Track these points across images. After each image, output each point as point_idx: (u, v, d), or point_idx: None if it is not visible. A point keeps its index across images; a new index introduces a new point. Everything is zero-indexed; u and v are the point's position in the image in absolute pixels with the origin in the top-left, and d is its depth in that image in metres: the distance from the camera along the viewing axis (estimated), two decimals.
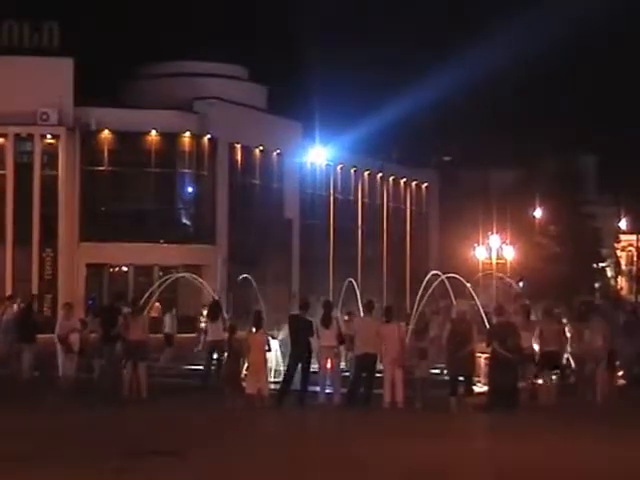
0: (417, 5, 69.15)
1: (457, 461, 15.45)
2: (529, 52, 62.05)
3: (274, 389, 22.71)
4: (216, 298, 30.57)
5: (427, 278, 27.51)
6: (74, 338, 24.13)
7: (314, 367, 22.98)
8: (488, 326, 24.10)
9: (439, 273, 27.51)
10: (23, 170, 55.88)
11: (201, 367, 26.90)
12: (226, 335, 24.15)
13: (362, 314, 25.56)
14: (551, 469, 14.69)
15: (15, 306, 28.91)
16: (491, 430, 19.89)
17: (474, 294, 28.93)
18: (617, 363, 25.81)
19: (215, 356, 25.87)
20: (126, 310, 24.23)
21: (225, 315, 28.14)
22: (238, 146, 60.20)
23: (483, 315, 26.86)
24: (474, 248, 65.95)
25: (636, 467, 15.00)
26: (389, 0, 65.15)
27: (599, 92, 74.62)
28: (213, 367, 25.86)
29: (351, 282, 31.94)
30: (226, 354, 23.69)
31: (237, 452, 15.96)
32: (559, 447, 16.64)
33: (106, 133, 56.77)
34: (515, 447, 16.80)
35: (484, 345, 22.98)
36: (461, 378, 22.19)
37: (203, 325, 32.45)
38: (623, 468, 14.92)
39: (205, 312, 30.85)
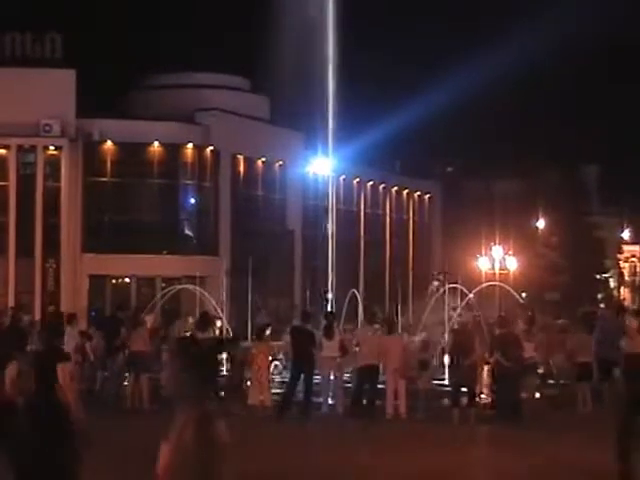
0: (417, 18, 69.06)
1: (459, 471, 15.44)
2: (530, 62, 62.02)
3: (277, 399, 22.72)
4: (217, 309, 30.57)
5: (430, 288, 27.56)
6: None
7: (316, 378, 22.99)
8: (490, 337, 24.12)
9: (440, 278, 27.59)
10: (26, 181, 55.90)
11: None
12: None
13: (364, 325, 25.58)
14: (550, 477, 14.68)
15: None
16: (493, 440, 19.88)
17: (477, 305, 28.95)
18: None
19: None
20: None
21: (219, 325, 28.11)
22: (240, 157, 60.25)
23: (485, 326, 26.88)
24: (477, 259, 65.89)
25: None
26: (390, 14, 65.13)
27: (601, 103, 74.62)
28: None
29: (354, 292, 31.98)
30: (228, 365, 23.72)
31: (237, 461, 15.95)
32: (560, 458, 16.62)
33: (109, 144, 56.81)
34: (517, 458, 16.78)
35: (487, 356, 23.00)
36: (464, 389, 22.20)
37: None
38: None
39: (190, 321, 30.72)
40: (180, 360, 12.07)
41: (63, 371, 12.28)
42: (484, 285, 34.39)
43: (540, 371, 24.64)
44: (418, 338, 25.51)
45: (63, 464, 11.99)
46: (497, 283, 37.29)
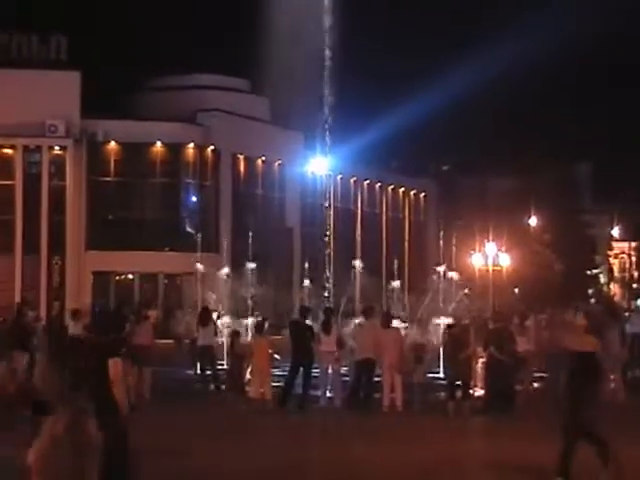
0: (415, 17, 68.73)
1: (454, 462, 15.41)
2: (527, 62, 61.72)
3: (277, 392, 22.68)
4: (218, 305, 30.49)
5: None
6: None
7: (315, 371, 22.96)
8: (485, 331, 24.07)
9: (440, 272, 27.59)
10: (32, 180, 55.91)
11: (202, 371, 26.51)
12: (216, 340, 24.28)
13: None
14: (544, 468, 14.64)
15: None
16: (488, 432, 19.85)
17: (471, 300, 28.93)
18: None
19: (207, 360, 25.55)
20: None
21: (218, 321, 28.07)
22: (241, 157, 60.25)
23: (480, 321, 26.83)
24: (471, 255, 65.88)
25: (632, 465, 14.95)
26: (388, 12, 64.89)
27: (596, 103, 74.66)
28: (209, 372, 25.57)
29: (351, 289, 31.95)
30: (229, 359, 23.70)
31: (238, 452, 15.91)
32: (553, 447, 16.58)
33: (112, 144, 56.82)
34: (511, 448, 16.78)
35: (481, 350, 22.97)
36: (458, 382, 22.17)
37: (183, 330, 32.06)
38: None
39: (187, 316, 30.61)
40: (50, 357, 12.23)
41: (115, 365, 12.26)
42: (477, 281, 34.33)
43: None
44: (412, 332, 25.49)
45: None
46: None
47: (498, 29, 60.00)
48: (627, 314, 36.95)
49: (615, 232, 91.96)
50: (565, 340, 14.76)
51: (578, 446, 13.72)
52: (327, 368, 23.02)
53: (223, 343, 27.60)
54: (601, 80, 71.86)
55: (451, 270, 30.15)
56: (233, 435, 18.31)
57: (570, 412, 13.81)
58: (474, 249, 66.67)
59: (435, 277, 28.83)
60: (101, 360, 12.14)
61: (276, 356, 22.88)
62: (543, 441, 17.24)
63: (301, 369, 22.28)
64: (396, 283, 33.62)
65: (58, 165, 56.43)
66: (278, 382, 23.29)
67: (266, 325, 23.66)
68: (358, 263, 34.50)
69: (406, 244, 75.46)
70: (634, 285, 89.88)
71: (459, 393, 22.09)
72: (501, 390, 21.61)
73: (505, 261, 67.49)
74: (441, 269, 29.46)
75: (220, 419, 20.61)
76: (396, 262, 37.95)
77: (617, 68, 73.13)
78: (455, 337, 22.55)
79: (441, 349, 25.26)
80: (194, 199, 59.57)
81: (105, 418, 11.93)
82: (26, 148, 55.91)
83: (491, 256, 65.59)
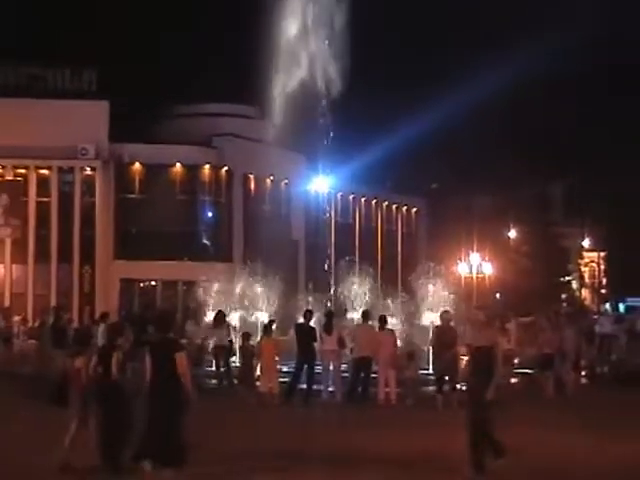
0: (402, 44, 67.58)
1: (444, 449, 15.40)
2: (506, 94, 61.18)
3: (283, 387, 22.67)
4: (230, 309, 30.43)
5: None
6: None
7: (318, 368, 22.94)
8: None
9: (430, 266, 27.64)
10: (65, 198, 55.97)
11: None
12: (228, 340, 24.35)
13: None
14: (524, 453, 14.62)
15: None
16: None
17: (457, 304, 28.86)
18: (582, 363, 25.79)
19: (221, 358, 25.43)
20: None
21: (231, 323, 27.98)
22: (251, 176, 60.27)
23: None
24: (457, 264, 65.79)
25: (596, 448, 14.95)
26: (386, 50, 64.39)
27: (566, 130, 74.45)
28: (223, 369, 25.50)
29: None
30: (240, 357, 23.67)
31: (249, 437, 15.90)
32: (531, 435, 16.60)
33: (137, 165, 56.89)
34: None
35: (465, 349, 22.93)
36: (446, 377, 22.13)
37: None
38: (592, 452, 14.87)
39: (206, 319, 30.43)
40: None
41: (181, 359, 12.41)
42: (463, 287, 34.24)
43: (516, 361, 24.54)
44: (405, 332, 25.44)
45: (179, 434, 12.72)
46: None
47: (477, 63, 59.59)
48: (595, 317, 36.92)
49: (585, 243, 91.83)
50: (466, 336, 14.33)
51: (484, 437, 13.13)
52: (329, 365, 23.01)
53: (235, 343, 27.52)
54: (570, 111, 71.54)
55: (439, 277, 30.06)
56: (244, 423, 18.30)
57: (472, 408, 13.12)
58: (460, 259, 66.59)
59: (424, 283, 28.77)
60: (169, 355, 12.50)
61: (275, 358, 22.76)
62: (520, 428, 17.27)
63: (305, 366, 22.28)
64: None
65: (89, 184, 56.49)
66: (285, 378, 23.28)
67: (273, 326, 23.67)
68: (356, 265, 34.52)
69: (399, 254, 75.38)
70: (602, 290, 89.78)
71: (446, 387, 22.06)
72: (484, 385, 21.54)
73: (488, 269, 67.41)
74: (430, 275, 29.41)
75: (232, 410, 20.60)
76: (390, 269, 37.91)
77: (590, 94, 72.91)
78: (442, 336, 22.51)
79: (430, 347, 25.22)
80: (209, 214, 59.57)
81: (175, 402, 12.37)
82: (60, 169, 55.96)
83: (475, 265, 65.54)
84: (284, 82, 36.67)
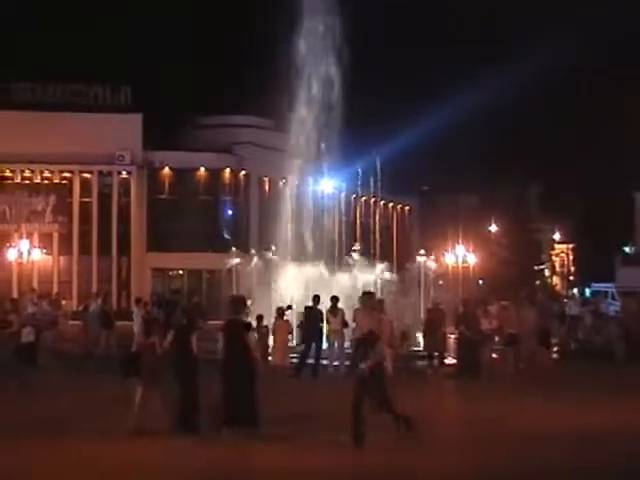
0: (393, 52, 66.24)
1: (433, 415, 15.42)
2: (494, 101, 60.20)
3: (294, 362, 22.68)
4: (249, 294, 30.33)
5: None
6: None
7: (324, 346, 22.95)
8: (456, 314, 24.03)
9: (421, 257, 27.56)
10: (105, 198, 56.10)
11: None
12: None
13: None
14: (502, 418, 14.64)
15: (99, 300, 28.73)
16: (459, 392, 19.84)
17: (445, 290, 28.86)
18: (553, 341, 25.73)
19: None
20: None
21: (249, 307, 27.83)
22: (266, 179, 60.23)
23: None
24: (444, 255, 65.71)
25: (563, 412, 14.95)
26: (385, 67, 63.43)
27: (538, 136, 74.16)
28: None
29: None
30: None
31: (265, 404, 15.92)
32: (512, 403, 16.61)
33: (167, 170, 56.95)
34: (478, 404, 16.78)
35: (453, 328, 22.94)
36: (436, 354, 22.16)
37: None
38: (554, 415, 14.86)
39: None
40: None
41: (250, 337, 12.50)
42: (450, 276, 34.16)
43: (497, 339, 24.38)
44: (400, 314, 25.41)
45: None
46: None
47: (457, 82, 59.08)
48: (565, 300, 36.80)
49: (556, 236, 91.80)
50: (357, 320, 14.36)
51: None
52: (334, 343, 23.01)
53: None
54: (537, 121, 71.24)
55: (429, 266, 30.08)
56: (260, 392, 18.31)
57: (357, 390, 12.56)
58: (447, 250, 66.50)
59: (417, 271, 28.77)
60: (240, 333, 12.88)
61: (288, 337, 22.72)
62: (501, 399, 17.30)
63: (313, 344, 22.29)
64: (387, 275, 33.49)
65: (125, 186, 56.59)
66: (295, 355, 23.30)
67: (288, 312, 23.59)
68: (356, 256, 34.51)
69: (394, 247, 75.35)
70: (571, 277, 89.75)
71: (436, 362, 22.08)
72: (469, 360, 21.59)
73: (472, 259, 67.25)
74: (421, 262, 29.40)
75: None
76: (387, 260, 37.88)
77: (558, 110, 72.57)
78: (433, 318, 22.54)
79: (421, 327, 25.23)
80: (230, 212, 59.62)
81: (248, 373, 12.88)
82: (100, 173, 56.10)
83: (460, 256, 65.31)
84: (295, 97, 36.74)
